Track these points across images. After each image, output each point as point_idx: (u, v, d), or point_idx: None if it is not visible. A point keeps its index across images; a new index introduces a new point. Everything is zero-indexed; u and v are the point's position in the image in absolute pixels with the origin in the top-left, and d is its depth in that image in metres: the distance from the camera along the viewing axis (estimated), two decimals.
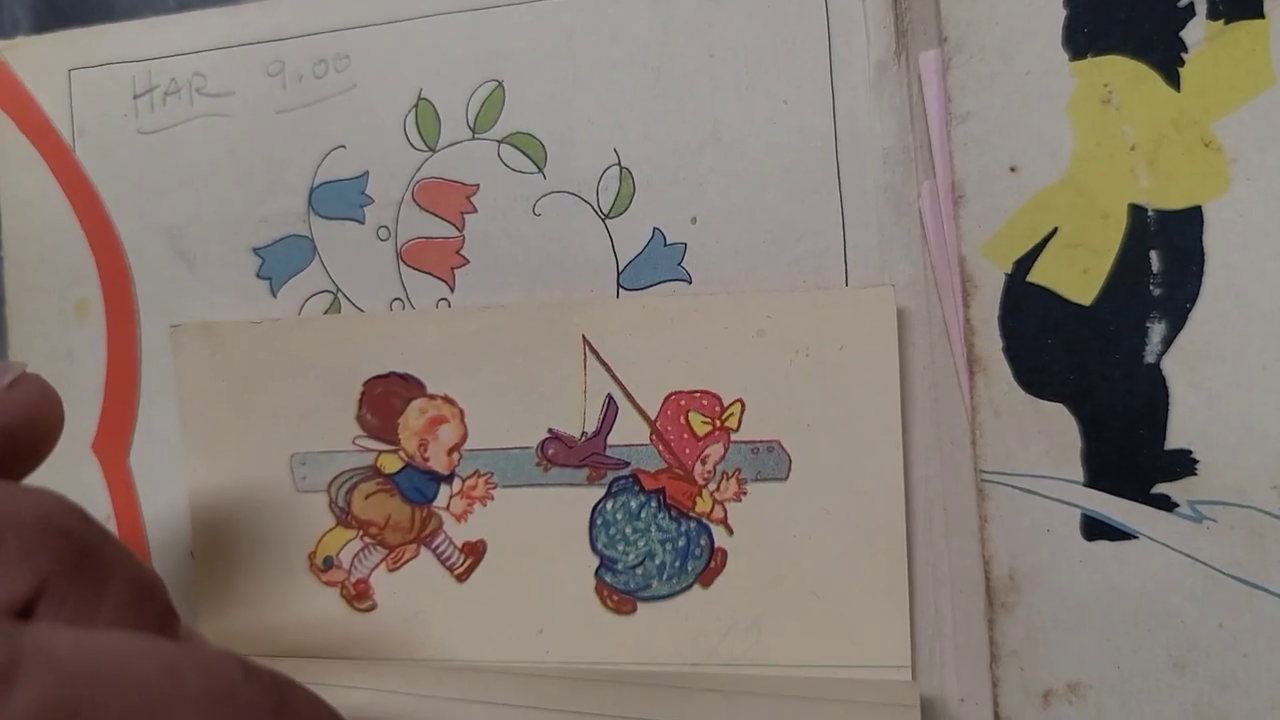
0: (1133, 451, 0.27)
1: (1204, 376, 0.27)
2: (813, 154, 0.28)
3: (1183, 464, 0.27)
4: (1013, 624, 0.27)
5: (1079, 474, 0.27)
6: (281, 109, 0.30)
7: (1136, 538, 0.27)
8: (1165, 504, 0.27)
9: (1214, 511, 0.27)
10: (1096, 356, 0.27)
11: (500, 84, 0.29)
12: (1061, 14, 0.27)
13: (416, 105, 0.29)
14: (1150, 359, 0.27)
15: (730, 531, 0.28)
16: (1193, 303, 0.27)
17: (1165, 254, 0.27)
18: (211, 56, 0.30)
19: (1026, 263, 0.27)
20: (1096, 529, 0.27)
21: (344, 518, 0.29)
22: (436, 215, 0.29)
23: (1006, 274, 0.27)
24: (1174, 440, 0.27)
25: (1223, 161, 0.27)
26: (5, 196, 0.32)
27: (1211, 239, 0.26)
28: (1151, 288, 0.27)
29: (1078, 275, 0.27)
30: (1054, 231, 0.27)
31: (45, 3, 0.32)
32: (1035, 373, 0.27)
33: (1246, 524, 0.27)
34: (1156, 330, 0.27)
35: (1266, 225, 0.27)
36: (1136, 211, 0.27)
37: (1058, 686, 0.27)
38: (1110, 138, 0.27)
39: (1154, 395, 0.27)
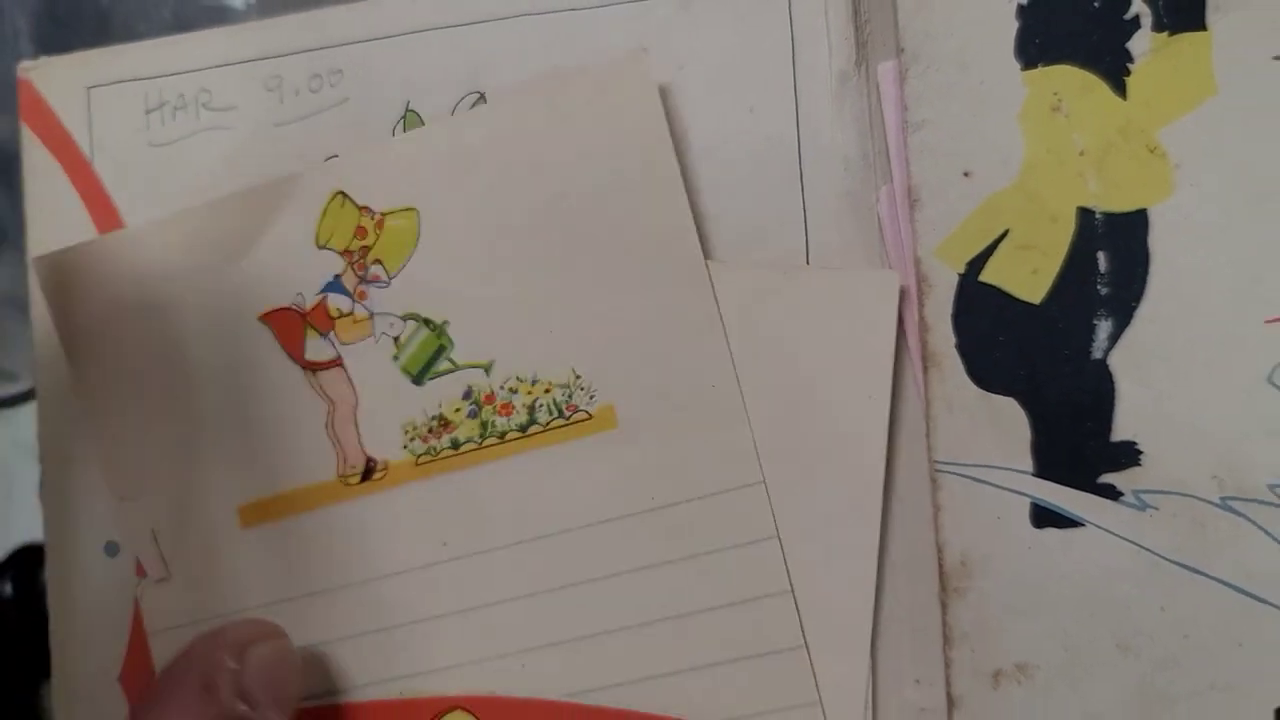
0: (1080, 443, 0.27)
1: (1149, 372, 0.27)
2: (777, 160, 0.28)
3: (1128, 455, 0.27)
4: (964, 608, 0.28)
5: (1028, 464, 0.27)
6: (280, 122, 0.30)
7: (1083, 525, 0.27)
8: (1111, 493, 0.27)
9: (1157, 500, 0.27)
10: (1046, 353, 0.27)
11: (482, 95, 0.30)
12: (1014, 26, 0.27)
13: (404, 116, 0.30)
14: (1097, 355, 0.27)
15: None
16: (1138, 301, 0.27)
17: (1112, 255, 0.27)
18: (216, 73, 0.31)
19: (979, 263, 0.27)
20: (1045, 517, 0.27)
21: None
22: None
23: (959, 274, 0.27)
24: (1120, 433, 0.27)
25: (1167, 167, 0.28)
26: (30, 205, 0.33)
27: (1156, 240, 0.27)
28: (1099, 287, 0.27)
29: (1028, 275, 0.27)
30: (1005, 233, 0.27)
31: (45, 13, 0.34)
32: (987, 368, 0.27)
33: (1188, 512, 0.27)
34: (1103, 328, 0.27)
35: (1209, 227, 0.27)
36: (1084, 214, 0.27)
37: (1007, 667, 0.28)
38: (1060, 144, 0.27)
39: (1101, 390, 0.27)
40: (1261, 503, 0.26)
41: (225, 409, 0.30)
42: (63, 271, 0.31)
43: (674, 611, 0.28)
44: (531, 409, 0.29)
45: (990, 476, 0.27)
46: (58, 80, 0.32)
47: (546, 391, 0.29)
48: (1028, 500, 0.27)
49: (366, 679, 0.30)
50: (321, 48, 0.30)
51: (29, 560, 0.41)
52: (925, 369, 0.27)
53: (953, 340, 0.27)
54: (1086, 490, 0.27)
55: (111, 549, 0.32)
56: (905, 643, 0.27)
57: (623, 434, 0.28)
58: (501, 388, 0.29)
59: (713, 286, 0.27)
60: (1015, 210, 0.27)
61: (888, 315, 0.27)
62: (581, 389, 0.28)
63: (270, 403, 0.30)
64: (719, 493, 0.28)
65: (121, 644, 0.32)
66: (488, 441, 0.29)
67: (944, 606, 0.27)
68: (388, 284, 0.29)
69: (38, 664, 0.38)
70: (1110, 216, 0.27)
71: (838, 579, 0.27)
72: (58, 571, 0.33)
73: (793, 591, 0.27)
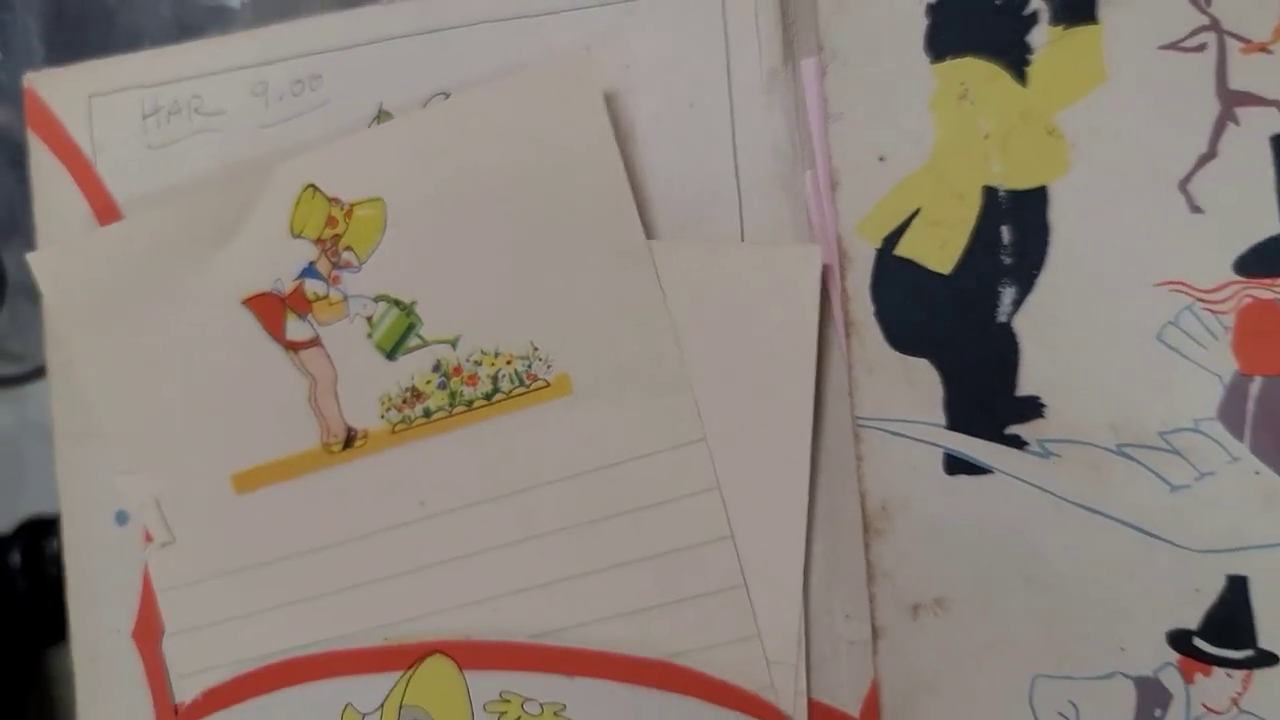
0: (988, 399, 0.28)
1: (1050, 333, 0.28)
2: (714, 149, 0.29)
3: (1032, 409, 0.29)
4: (885, 548, 0.29)
5: (941, 418, 0.28)
6: (265, 124, 0.32)
7: (992, 472, 0.29)
8: (1017, 443, 0.29)
9: (1059, 448, 0.29)
10: (956, 318, 0.28)
11: (447, 95, 0.31)
12: (923, 23, 0.28)
13: (378, 115, 0.31)
14: (1002, 319, 0.28)
15: None
16: (1039, 269, 0.29)
17: (1015, 228, 0.29)
18: (207, 80, 0.32)
19: (894, 239, 0.28)
20: (957, 465, 0.28)
21: None
22: None
23: (877, 249, 0.28)
24: (1024, 388, 0.28)
25: (1064, 147, 0.30)
26: (37, 205, 0.34)
27: (1055, 214, 0.28)
28: (1003, 257, 0.29)
29: (938, 248, 0.29)
30: (917, 211, 0.28)
31: (53, 13, 0.36)
32: (902, 333, 0.28)
33: (1086, 459, 0.29)
34: (1008, 294, 0.29)
35: (1102, 201, 0.28)
36: (989, 192, 0.29)
37: (925, 601, 0.30)
38: (966, 129, 0.29)
39: (1006, 350, 0.29)
40: (1153, 449, 0.28)
41: (216, 387, 0.31)
42: (60, 264, 0.32)
43: (627, 558, 0.30)
44: (495, 379, 0.31)
45: (907, 430, 0.29)
46: (61, 90, 0.34)
47: (508, 363, 0.31)
48: (941, 450, 0.29)
49: (352, 628, 0.31)
50: (302, 55, 0.32)
51: (36, 532, 0.42)
52: (847, 334, 0.29)
53: (871, 308, 0.29)
54: (994, 441, 0.29)
55: (121, 517, 0.34)
56: (834, 581, 0.29)
57: (578, 399, 0.30)
58: (467, 360, 0.31)
59: (655, 264, 0.30)
60: (926, 190, 0.29)
61: (811, 286, 0.28)
62: (540, 359, 0.30)
63: (257, 380, 0.31)
64: (665, 450, 0.30)
65: (133, 604, 0.33)
66: (456, 409, 0.31)
67: (867, 547, 0.29)
68: (359, 269, 0.31)
69: (44, 629, 0.40)
70: (1013, 193, 0.29)
71: (772, 524, 0.29)
72: (73, 540, 0.35)
73: (732, 537, 0.29)
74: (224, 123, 0.32)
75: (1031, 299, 0.28)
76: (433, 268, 0.30)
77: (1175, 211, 0.28)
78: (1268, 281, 0.27)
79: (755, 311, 0.28)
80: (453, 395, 0.30)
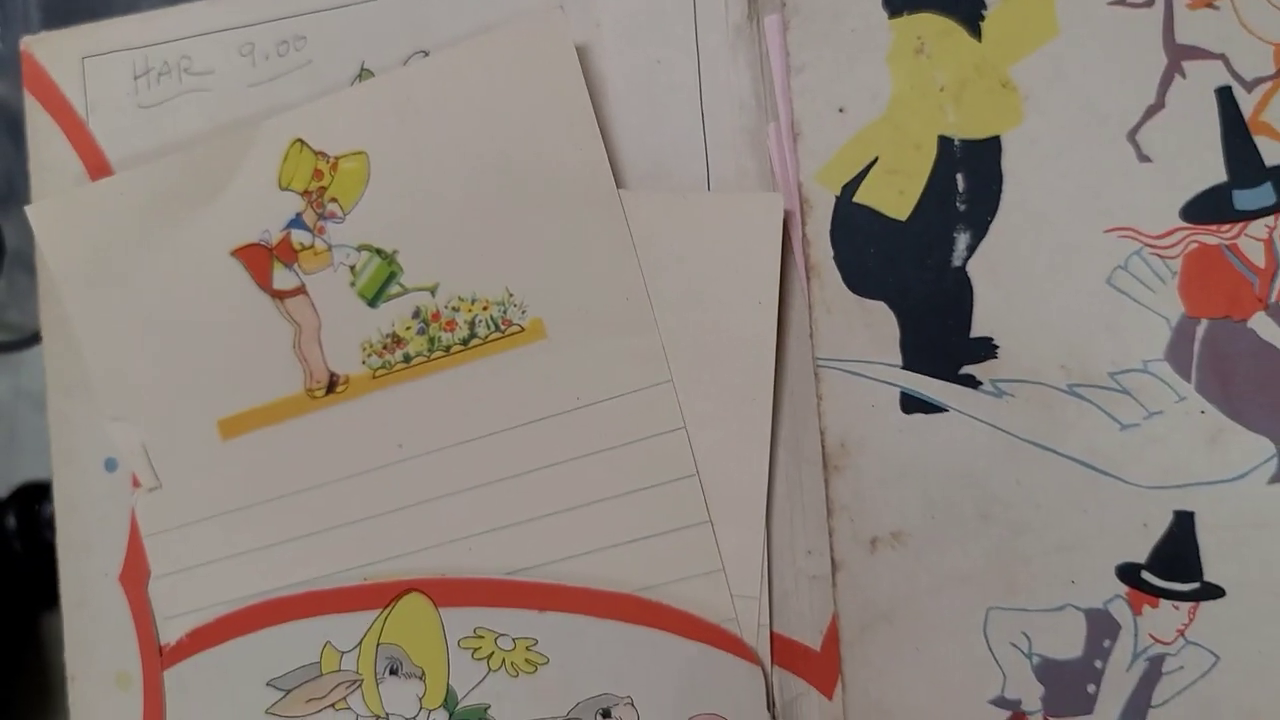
0: (943, 340, 0.29)
1: (1003, 277, 0.29)
2: (682, 103, 0.30)
3: (985, 349, 0.30)
4: (844, 483, 0.31)
5: (898, 359, 0.29)
6: (252, 83, 0.33)
7: (947, 411, 0.29)
8: (971, 382, 0.30)
9: (1012, 388, 0.30)
10: (912, 262, 0.29)
11: (426, 53, 0.32)
12: None
13: (360, 74, 0.32)
14: (957, 263, 0.29)
15: None
16: (993, 215, 0.30)
17: (969, 176, 0.30)
18: (196, 41, 0.33)
19: (853, 186, 0.29)
20: (913, 404, 0.29)
21: None
22: None
23: (836, 196, 0.29)
24: (978, 330, 0.29)
25: (1017, 99, 0.31)
26: (33, 164, 0.35)
27: (1008, 162, 0.29)
28: (958, 204, 0.30)
29: (895, 195, 0.30)
30: (875, 160, 0.29)
31: None
32: (860, 276, 0.29)
33: (1039, 398, 0.30)
34: (962, 239, 0.30)
35: (1054, 150, 0.29)
36: (944, 142, 0.30)
37: (883, 534, 0.30)
38: (922, 81, 0.30)
39: (960, 293, 0.30)
40: (1103, 388, 0.29)
41: (204, 335, 0.32)
42: (56, 217, 0.33)
43: (598, 496, 0.31)
44: (472, 324, 0.32)
45: (865, 370, 0.30)
46: (56, 52, 0.35)
47: (485, 309, 0.32)
48: (898, 390, 0.30)
49: (334, 568, 0.32)
50: (287, 17, 0.33)
51: (31, 496, 0.43)
52: (808, 278, 0.30)
53: (831, 253, 0.30)
54: (949, 380, 0.29)
55: (110, 465, 0.35)
56: (797, 518, 0.30)
57: (551, 343, 0.31)
58: (445, 307, 0.32)
59: (624, 212, 0.31)
60: (884, 140, 0.30)
61: (773, 232, 0.29)
62: (515, 305, 0.31)
63: (244, 328, 0.32)
64: (633, 391, 0.30)
65: (121, 548, 0.34)
66: (435, 355, 0.32)
67: (826, 483, 0.30)
68: (343, 219, 0.32)
69: (39, 592, 0.41)
70: (967, 143, 0.30)
71: (736, 462, 0.29)
72: (64, 488, 0.35)
73: (698, 475, 0.30)
74: (212, 82, 0.33)
75: (985, 244, 0.29)
76: (413, 218, 0.31)
77: (1124, 160, 0.29)
78: (1213, 228, 0.28)
79: (720, 257, 0.29)
80: (431, 341, 0.31)
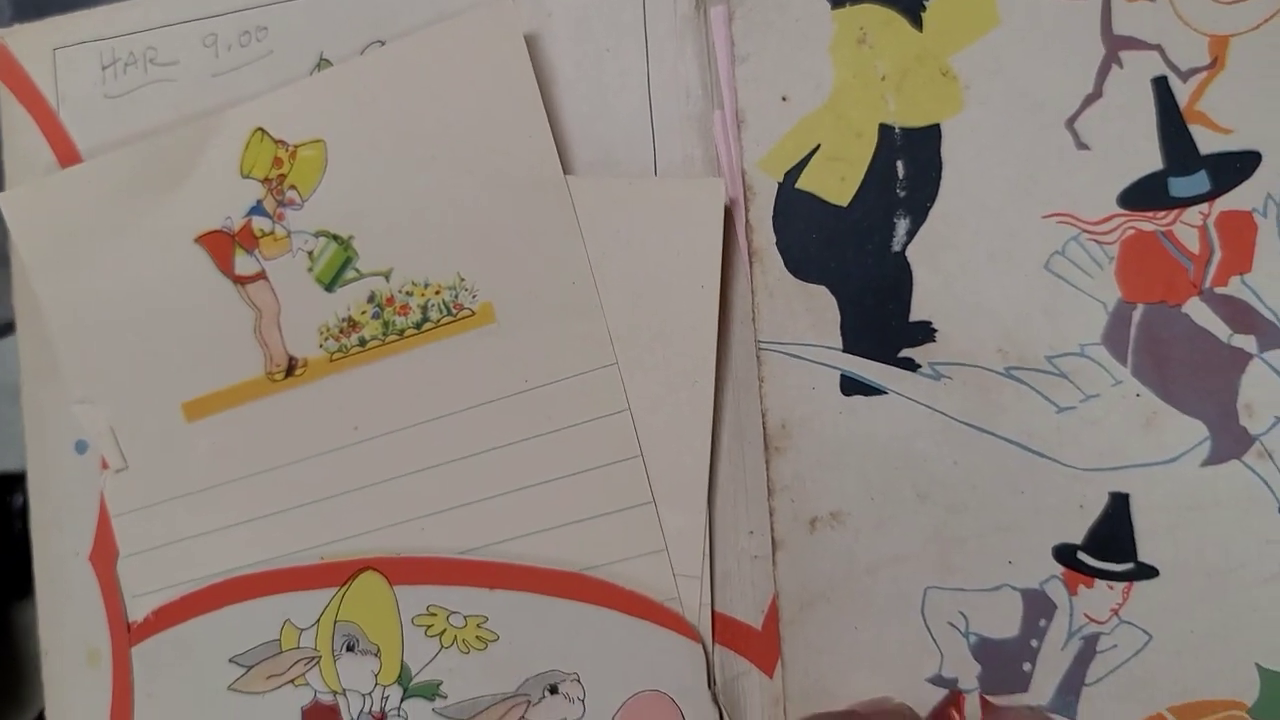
0: (882, 324, 0.30)
1: (941, 262, 0.30)
2: (630, 92, 0.31)
3: (924, 333, 0.30)
4: (784, 464, 0.31)
5: (838, 342, 0.29)
6: (216, 73, 0.33)
7: (886, 393, 0.30)
8: (910, 365, 0.30)
9: (950, 371, 0.30)
10: (853, 247, 0.30)
11: (382, 43, 0.33)
12: None
13: (319, 64, 0.33)
14: (897, 248, 0.30)
15: None
16: (932, 202, 0.30)
17: (909, 163, 0.30)
18: (161, 33, 0.34)
19: (795, 173, 0.30)
20: (853, 386, 0.29)
21: None
22: None
23: (779, 183, 0.30)
24: (917, 314, 0.30)
25: (957, 87, 0.31)
26: (7, 154, 0.35)
27: (948, 150, 0.29)
28: (898, 191, 0.30)
29: (837, 182, 0.30)
30: (817, 148, 0.30)
31: None
32: (801, 262, 0.30)
33: (976, 381, 0.30)
34: (902, 225, 0.30)
35: (993, 138, 0.29)
36: (885, 130, 0.30)
37: (822, 514, 0.31)
38: (864, 71, 0.30)
39: (900, 278, 0.30)
40: (1040, 371, 0.30)
41: (169, 319, 0.33)
42: (26, 205, 0.34)
43: (545, 477, 0.31)
44: (425, 309, 0.32)
45: (806, 353, 0.30)
46: (28, 44, 0.35)
47: (437, 293, 0.32)
48: (838, 372, 0.30)
49: (293, 547, 0.33)
50: (249, 8, 0.33)
51: (3, 487, 0.43)
52: (750, 262, 0.31)
53: (773, 238, 0.30)
54: (888, 363, 0.30)
55: (80, 447, 0.36)
56: (739, 499, 0.30)
57: (500, 327, 0.31)
58: (399, 291, 0.32)
59: (572, 198, 0.31)
60: (826, 128, 0.30)
61: (715, 217, 0.29)
62: (466, 289, 0.32)
63: (207, 313, 0.33)
64: (579, 374, 0.31)
65: (91, 528, 0.35)
66: (389, 338, 0.33)
67: (767, 463, 0.30)
68: (302, 206, 0.33)
69: (11, 583, 0.41)
70: (908, 131, 0.30)
71: (679, 444, 0.30)
72: (36, 470, 0.36)
73: (642, 456, 0.31)
74: (177, 72, 0.34)
75: (924, 230, 0.29)
76: (368, 204, 0.32)
77: (1063, 148, 0.29)
78: (1149, 214, 0.29)
79: (664, 241, 0.30)
80: (386, 325, 0.32)
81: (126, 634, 0.35)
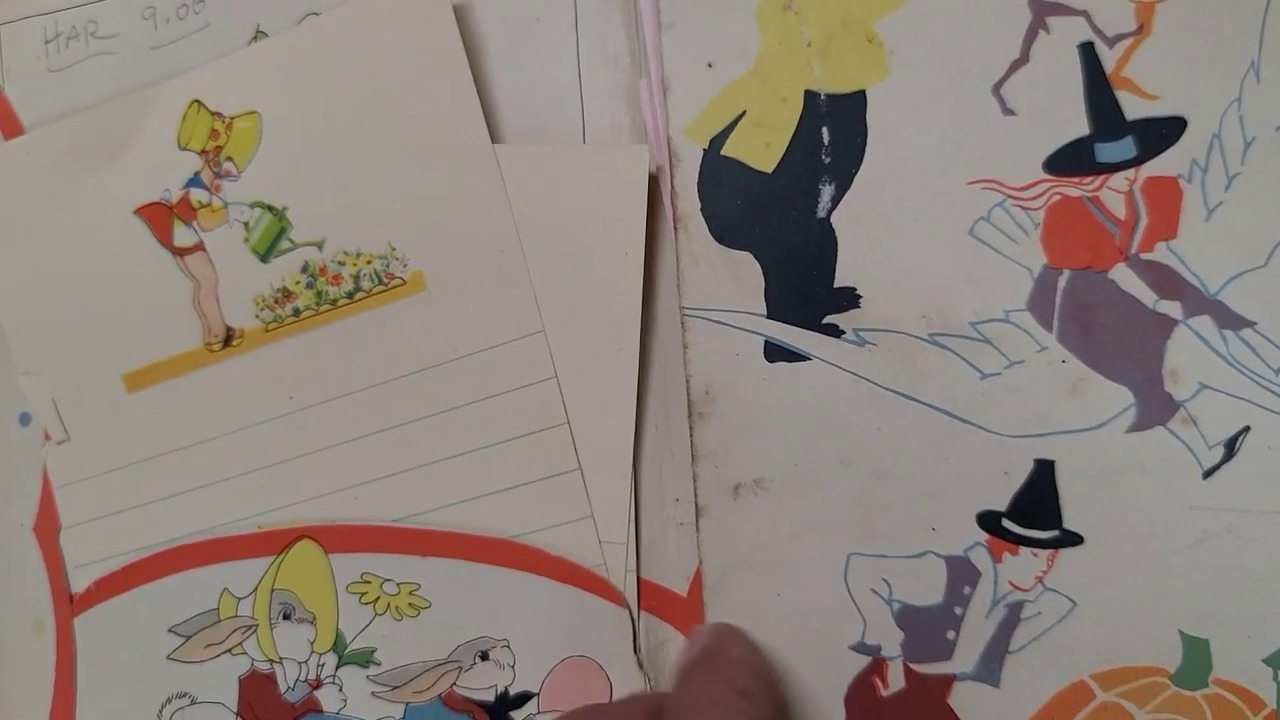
0: (807, 290, 0.30)
1: (866, 228, 0.30)
2: (560, 60, 0.31)
3: (848, 299, 0.30)
4: (708, 431, 0.31)
5: (762, 308, 0.29)
6: (154, 46, 0.34)
7: (810, 359, 0.30)
8: (834, 332, 0.30)
9: (874, 337, 0.30)
10: (777, 213, 0.30)
11: (319, 15, 0.34)
12: None
13: (256, 36, 0.33)
14: (821, 215, 0.30)
15: None
16: (857, 168, 0.30)
17: (834, 129, 0.30)
18: (101, 6, 0.34)
19: (720, 140, 0.30)
20: (777, 352, 0.29)
21: None
22: None
23: (704, 149, 0.30)
24: (841, 280, 0.30)
25: (883, 53, 0.31)
26: None
27: (874, 116, 0.29)
28: (823, 157, 0.30)
29: (762, 149, 0.30)
30: (743, 114, 0.30)
31: None
32: (726, 228, 0.30)
33: (900, 347, 0.30)
34: (826, 191, 0.30)
35: (917, 104, 0.29)
36: (811, 96, 0.30)
37: (745, 481, 0.31)
38: (790, 37, 0.31)
39: (824, 244, 0.30)
40: (964, 338, 0.30)
41: (109, 291, 0.33)
42: None
43: (476, 445, 0.31)
44: (357, 278, 0.33)
45: (730, 319, 0.30)
46: None
47: (368, 263, 0.32)
48: (762, 339, 0.30)
49: (231, 516, 0.33)
50: None
51: None
52: (675, 229, 0.31)
53: (698, 205, 0.30)
54: (813, 329, 0.30)
55: (24, 419, 0.36)
56: (665, 466, 0.30)
57: (430, 295, 0.32)
58: (332, 261, 0.32)
59: (500, 166, 0.31)
60: (751, 94, 0.30)
61: (639, 184, 0.29)
62: (397, 259, 0.32)
63: (146, 284, 0.33)
64: (508, 342, 0.31)
65: (34, 500, 0.35)
66: (323, 308, 0.33)
67: (691, 430, 0.30)
68: (238, 177, 0.33)
69: None
70: (833, 97, 0.30)
71: (605, 411, 0.30)
72: None
73: (569, 423, 0.31)
74: (117, 45, 0.34)
75: (849, 196, 0.29)
76: (302, 174, 0.32)
77: (988, 114, 0.29)
78: (1075, 180, 0.29)
79: (590, 209, 0.30)
80: (319, 294, 0.32)
81: (69, 604, 0.35)
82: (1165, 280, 0.28)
